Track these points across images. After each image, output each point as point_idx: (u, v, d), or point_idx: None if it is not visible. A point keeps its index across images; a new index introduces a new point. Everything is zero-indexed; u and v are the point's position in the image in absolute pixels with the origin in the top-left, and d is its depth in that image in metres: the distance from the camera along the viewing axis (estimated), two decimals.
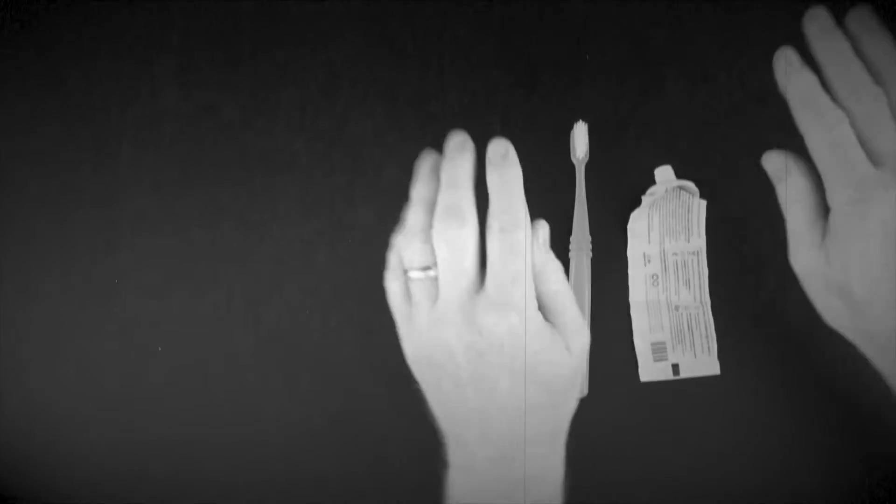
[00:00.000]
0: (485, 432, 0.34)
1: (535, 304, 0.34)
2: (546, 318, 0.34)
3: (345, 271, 0.47)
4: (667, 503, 0.45)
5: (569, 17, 0.50)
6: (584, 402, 0.45)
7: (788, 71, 0.36)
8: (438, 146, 0.48)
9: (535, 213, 0.47)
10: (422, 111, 0.49)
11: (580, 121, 0.47)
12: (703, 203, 0.46)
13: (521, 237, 0.33)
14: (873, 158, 0.34)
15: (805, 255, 0.37)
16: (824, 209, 0.36)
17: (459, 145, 0.35)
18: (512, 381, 0.33)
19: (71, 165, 0.48)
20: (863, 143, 0.35)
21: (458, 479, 0.36)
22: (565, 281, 0.35)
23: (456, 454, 0.36)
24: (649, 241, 0.46)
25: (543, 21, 0.50)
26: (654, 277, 0.46)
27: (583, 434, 0.45)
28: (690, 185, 0.45)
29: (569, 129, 0.48)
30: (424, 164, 0.37)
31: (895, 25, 0.37)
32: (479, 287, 0.33)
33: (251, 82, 0.50)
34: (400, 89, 0.49)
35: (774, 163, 0.39)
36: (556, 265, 0.35)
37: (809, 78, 0.36)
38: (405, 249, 0.36)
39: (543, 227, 0.35)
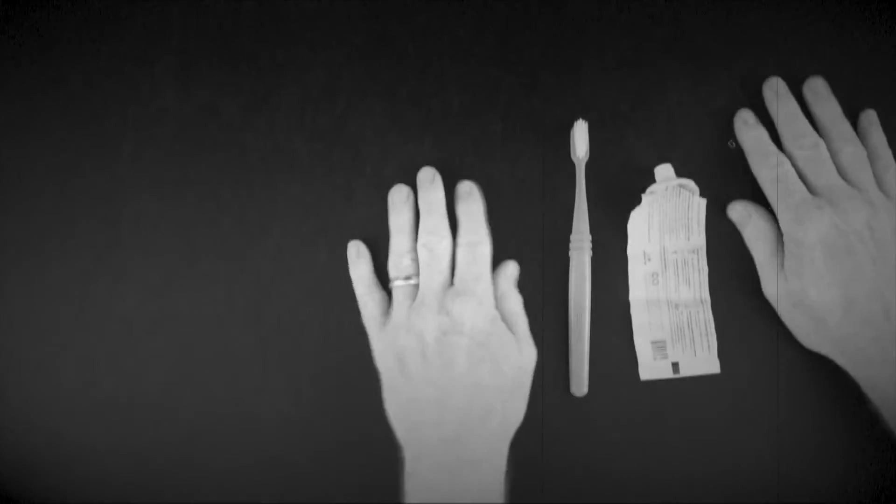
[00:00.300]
0: (442, 408, 0.40)
1: (493, 301, 0.43)
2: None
3: (345, 271, 0.47)
4: (665, 502, 0.45)
5: (569, 17, 0.50)
6: (584, 401, 0.46)
7: (743, 128, 0.47)
8: (439, 146, 0.49)
9: (536, 212, 0.47)
10: (422, 111, 0.49)
11: (580, 120, 0.47)
12: (703, 201, 0.46)
13: (483, 250, 0.43)
14: (812, 191, 0.43)
15: (770, 280, 0.44)
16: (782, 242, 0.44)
17: (430, 179, 0.45)
18: (468, 359, 0.40)
19: (71, 165, 0.48)
20: (805, 181, 0.43)
21: (415, 468, 0.40)
22: (522, 307, 0.44)
23: (410, 444, 0.41)
24: (649, 240, 0.47)
25: (543, 21, 0.50)
26: (654, 276, 0.46)
27: (583, 433, 0.46)
28: (690, 182, 0.45)
29: (569, 128, 0.48)
30: (397, 196, 0.46)
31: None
32: (450, 287, 0.42)
33: (251, 82, 0.50)
34: (400, 89, 0.49)
35: (738, 211, 0.46)
36: (518, 297, 0.44)
37: (760, 132, 0.46)
38: (393, 266, 0.45)
39: (514, 266, 0.45)
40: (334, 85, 0.49)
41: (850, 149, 0.44)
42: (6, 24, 0.50)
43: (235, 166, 0.49)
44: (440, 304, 0.41)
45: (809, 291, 0.42)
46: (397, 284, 0.44)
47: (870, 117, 0.46)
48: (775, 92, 0.47)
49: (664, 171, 0.46)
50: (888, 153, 0.45)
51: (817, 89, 0.47)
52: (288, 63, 0.50)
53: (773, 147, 0.45)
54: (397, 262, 0.44)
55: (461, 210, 0.45)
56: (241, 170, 0.49)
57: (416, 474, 0.40)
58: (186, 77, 0.50)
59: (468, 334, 0.40)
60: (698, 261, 0.46)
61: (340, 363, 0.46)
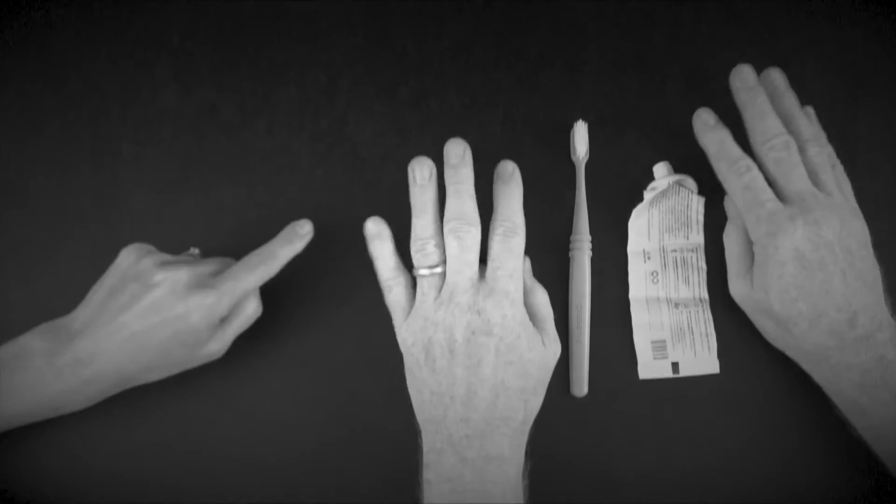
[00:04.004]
0: (466, 406, 0.39)
1: (522, 300, 0.40)
2: (532, 323, 0.41)
3: (345, 271, 0.47)
4: (665, 502, 0.45)
5: (569, 17, 0.50)
6: (584, 401, 0.46)
7: (704, 129, 0.43)
8: (438, 146, 0.48)
9: (536, 212, 0.47)
10: (422, 111, 0.49)
11: (580, 120, 0.47)
12: (703, 200, 0.46)
13: (518, 242, 0.40)
14: (783, 197, 0.41)
15: (735, 283, 0.45)
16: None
17: (461, 155, 0.41)
18: (496, 360, 0.39)
19: (71, 165, 0.48)
20: (774, 185, 0.42)
21: (436, 461, 0.39)
22: (548, 302, 0.42)
23: (431, 436, 0.40)
24: (649, 238, 0.47)
25: (543, 21, 0.50)
26: (654, 274, 0.46)
27: (583, 433, 0.46)
28: (689, 179, 0.45)
29: (569, 128, 0.48)
30: (419, 172, 0.41)
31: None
32: (480, 279, 0.40)
33: (251, 82, 0.50)
34: (400, 89, 0.49)
35: (728, 205, 0.45)
36: (544, 291, 0.42)
37: (723, 133, 0.43)
38: (417, 252, 0.41)
39: (527, 261, 0.42)
40: (334, 85, 0.50)
41: (815, 149, 0.43)
42: (6, 23, 0.50)
43: (235, 166, 0.49)
44: (470, 302, 0.39)
45: (774, 305, 0.41)
46: (422, 273, 0.41)
47: (810, 112, 0.46)
48: (744, 83, 0.43)
49: (662, 169, 0.46)
50: (830, 149, 0.45)
51: (775, 82, 0.44)
52: (288, 63, 0.50)
53: (738, 150, 0.42)
54: (421, 249, 0.41)
55: (500, 192, 0.41)
56: (241, 170, 0.49)
57: (437, 466, 0.39)
58: (186, 77, 0.50)
59: (498, 335, 0.39)
60: (697, 259, 0.47)
61: (341, 363, 0.46)
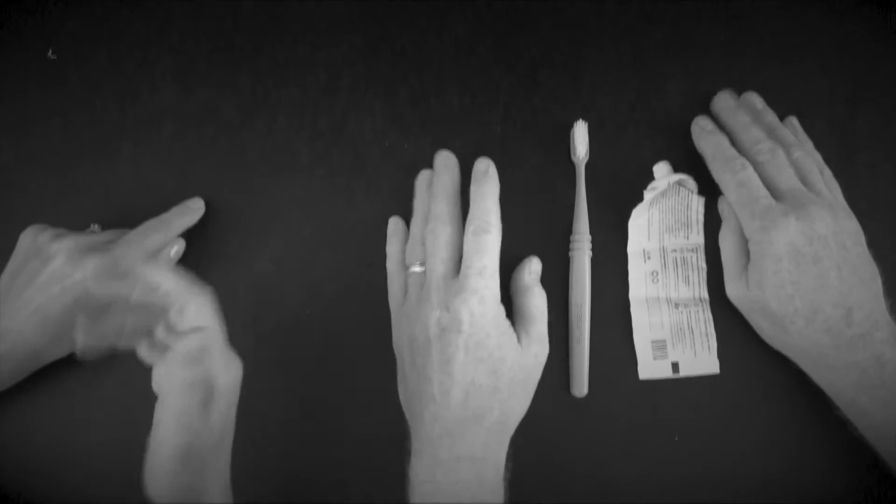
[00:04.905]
0: (438, 404, 0.39)
1: (497, 295, 0.41)
2: (519, 323, 0.42)
3: (345, 271, 0.47)
4: (665, 502, 0.45)
5: (569, 17, 0.50)
6: (584, 401, 0.46)
7: (701, 134, 0.46)
8: (438, 145, 0.48)
9: (536, 212, 0.47)
10: (422, 111, 0.49)
11: (580, 120, 0.47)
12: (703, 199, 0.46)
13: (489, 239, 0.41)
14: (774, 196, 0.42)
15: (731, 284, 0.45)
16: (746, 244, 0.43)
17: (444, 163, 0.44)
18: (465, 357, 0.39)
19: (71, 165, 0.48)
20: (767, 185, 0.42)
21: (416, 461, 0.40)
22: (545, 305, 0.43)
23: (415, 437, 0.41)
24: (649, 238, 0.47)
25: (543, 21, 0.50)
26: (654, 274, 0.46)
27: (583, 433, 0.46)
28: (689, 179, 0.45)
29: (569, 128, 0.48)
30: (421, 181, 0.46)
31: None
32: (454, 278, 0.41)
33: (251, 82, 0.50)
34: (400, 89, 0.49)
35: (722, 206, 0.46)
36: (542, 294, 0.43)
37: (719, 138, 0.45)
38: (409, 251, 0.44)
39: (537, 262, 0.44)
40: (334, 85, 0.50)
41: (799, 153, 0.44)
42: (6, 23, 0.50)
43: (235, 166, 0.49)
44: (441, 298, 0.40)
45: (770, 302, 0.41)
46: (412, 270, 0.43)
47: (794, 123, 0.47)
48: (725, 106, 0.47)
49: (662, 168, 0.46)
50: (818, 155, 0.46)
51: (753, 103, 0.47)
52: (288, 63, 0.50)
53: (734, 151, 0.44)
54: (412, 248, 0.44)
55: (473, 191, 0.43)
56: (241, 170, 0.49)
57: (416, 467, 0.40)
58: (186, 77, 0.50)
59: (467, 332, 0.39)
60: (697, 259, 0.47)
61: (341, 363, 0.46)
